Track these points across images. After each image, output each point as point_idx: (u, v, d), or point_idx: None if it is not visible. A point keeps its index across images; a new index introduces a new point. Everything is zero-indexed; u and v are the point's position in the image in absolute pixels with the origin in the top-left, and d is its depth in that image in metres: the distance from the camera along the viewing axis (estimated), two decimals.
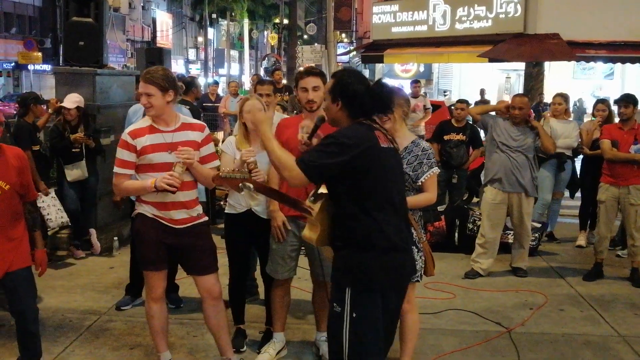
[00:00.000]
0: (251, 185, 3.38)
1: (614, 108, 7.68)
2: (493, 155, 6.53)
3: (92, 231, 7.17)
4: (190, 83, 7.96)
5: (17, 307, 4.03)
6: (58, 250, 7.19)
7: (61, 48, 33.95)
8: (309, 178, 3.14)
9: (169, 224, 4.06)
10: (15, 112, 6.97)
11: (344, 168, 3.11)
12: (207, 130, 4.30)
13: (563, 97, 8.15)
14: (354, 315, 3.19)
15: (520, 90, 18.87)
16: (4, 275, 3.89)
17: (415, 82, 13.10)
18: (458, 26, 16.47)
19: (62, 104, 6.74)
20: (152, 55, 10.33)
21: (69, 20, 7.35)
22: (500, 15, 15.48)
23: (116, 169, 4.06)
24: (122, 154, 4.02)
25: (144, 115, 5.58)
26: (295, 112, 11.30)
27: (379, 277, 3.20)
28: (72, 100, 6.76)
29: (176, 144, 4.02)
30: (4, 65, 31.95)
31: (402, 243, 3.28)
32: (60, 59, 33.51)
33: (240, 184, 3.38)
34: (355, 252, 3.19)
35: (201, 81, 47.08)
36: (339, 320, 3.23)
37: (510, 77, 24.51)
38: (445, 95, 22.19)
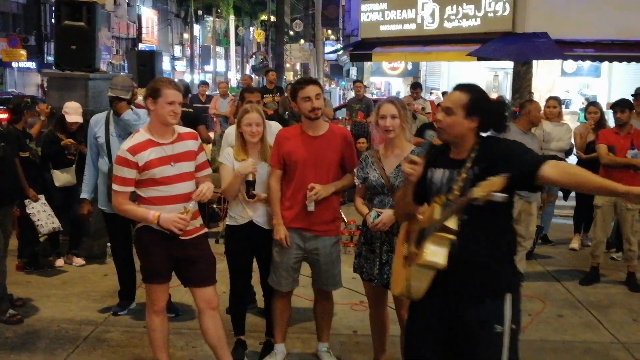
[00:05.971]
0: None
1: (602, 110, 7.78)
2: None
3: (68, 258, 7.06)
4: (187, 88, 7.88)
5: None
6: (49, 257, 7.05)
7: (46, 47, 33.71)
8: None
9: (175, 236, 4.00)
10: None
11: None
12: (199, 138, 4.29)
13: (557, 100, 8.17)
14: (514, 327, 2.95)
15: (509, 89, 18.91)
16: None
17: (415, 87, 13.09)
18: (447, 25, 16.47)
19: (68, 118, 6.61)
20: (144, 58, 10.21)
21: (61, 24, 7.21)
22: (489, 14, 15.50)
23: (116, 187, 3.93)
24: (121, 171, 3.89)
25: (106, 125, 5.52)
26: (286, 112, 11.28)
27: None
28: (78, 113, 6.67)
29: (177, 155, 3.99)
30: None
31: None
32: (45, 57, 33.27)
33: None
34: (508, 262, 3.08)
35: (187, 78, 46.89)
36: (497, 341, 2.91)
37: (498, 76, 24.52)
38: (431, 94, 22.16)
